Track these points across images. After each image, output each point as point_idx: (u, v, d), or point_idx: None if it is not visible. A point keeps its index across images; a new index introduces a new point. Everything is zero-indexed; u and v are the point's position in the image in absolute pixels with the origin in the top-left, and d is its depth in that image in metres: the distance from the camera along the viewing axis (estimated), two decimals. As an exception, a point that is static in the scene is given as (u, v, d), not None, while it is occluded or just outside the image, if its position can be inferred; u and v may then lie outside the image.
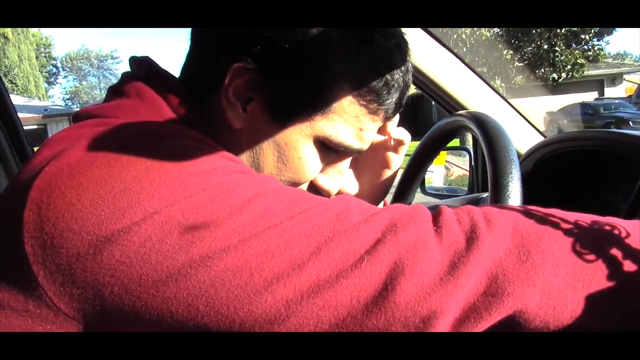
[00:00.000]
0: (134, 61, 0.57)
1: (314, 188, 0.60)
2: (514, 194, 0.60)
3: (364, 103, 0.55)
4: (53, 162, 0.40)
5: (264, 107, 0.53)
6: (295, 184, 0.57)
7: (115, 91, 0.54)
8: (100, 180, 0.38)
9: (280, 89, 0.53)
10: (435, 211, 0.45)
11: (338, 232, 0.40)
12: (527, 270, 0.41)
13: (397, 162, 0.70)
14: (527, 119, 1.11)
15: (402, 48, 0.57)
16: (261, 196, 0.41)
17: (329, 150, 0.57)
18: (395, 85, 0.56)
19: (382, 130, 0.63)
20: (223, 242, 0.38)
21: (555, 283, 0.41)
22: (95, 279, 0.37)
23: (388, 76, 0.55)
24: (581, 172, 0.95)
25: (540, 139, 1.12)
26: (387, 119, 0.59)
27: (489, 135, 0.65)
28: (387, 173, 0.71)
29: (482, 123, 0.68)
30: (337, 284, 0.39)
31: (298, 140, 0.54)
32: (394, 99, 0.57)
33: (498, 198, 0.60)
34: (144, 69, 0.55)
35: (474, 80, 1.10)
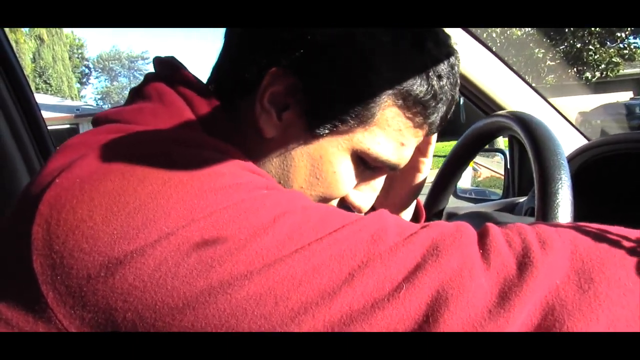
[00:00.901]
0: (158, 62, 0.55)
1: (344, 204, 0.56)
2: (564, 202, 0.55)
3: (410, 116, 0.51)
4: (64, 173, 0.38)
5: (301, 116, 0.50)
6: (326, 200, 0.54)
7: (137, 93, 0.51)
8: (113, 194, 0.36)
9: (321, 96, 0.49)
10: (481, 230, 0.40)
11: (373, 256, 0.36)
12: (589, 301, 0.35)
13: (428, 164, 0.67)
14: (568, 120, 1.06)
15: (452, 58, 0.53)
16: (288, 215, 0.37)
17: (365, 166, 0.54)
18: (443, 98, 0.52)
19: None
20: (245, 266, 0.34)
21: (622, 316, 0.35)
22: (107, 304, 0.34)
23: (437, 87, 0.51)
24: (628, 178, 0.89)
25: (583, 141, 1.06)
26: (429, 134, 0.56)
27: (535, 137, 0.60)
28: (418, 177, 0.68)
29: (527, 124, 0.63)
30: (372, 316, 0.34)
31: (334, 154, 0.51)
32: (440, 113, 0.53)
33: (546, 206, 0.55)
34: (167, 71, 0.52)
35: (512, 78, 1.05)
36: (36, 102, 1.16)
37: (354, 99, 0.49)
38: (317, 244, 0.36)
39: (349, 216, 0.40)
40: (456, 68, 0.54)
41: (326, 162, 0.51)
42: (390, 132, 0.51)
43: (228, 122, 0.51)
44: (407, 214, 0.72)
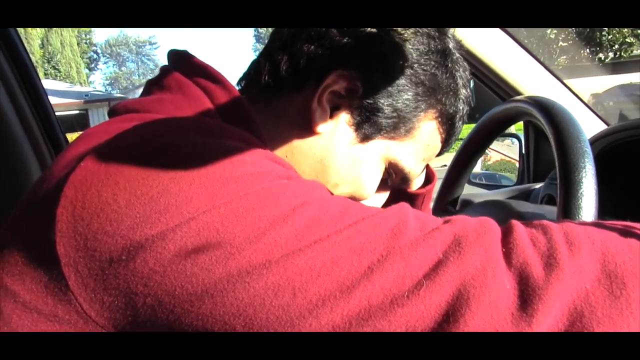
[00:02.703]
0: (174, 54, 0.55)
1: None
2: (588, 191, 0.53)
3: (441, 131, 0.57)
4: (89, 157, 0.38)
5: (351, 118, 0.53)
6: (352, 199, 0.55)
7: (155, 85, 0.51)
8: (137, 178, 0.35)
9: (375, 102, 0.52)
10: (505, 227, 0.38)
11: (393, 250, 0.35)
12: (620, 308, 0.33)
13: None
14: (587, 104, 1.02)
15: (470, 87, 0.59)
16: (307, 205, 0.37)
17: (388, 176, 0.57)
18: (464, 118, 0.58)
19: None
20: (264, 256, 0.34)
21: None
22: (127, 287, 0.34)
23: (462, 107, 0.57)
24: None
25: (602, 126, 1.03)
26: (439, 154, 0.60)
27: (557, 123, 0.58)
28: None
29: (548, 110, 0.61)
30: (391, 313, 0.33)
31: (373, 159, 0.54)
32: (458, 132, 0.58)
33: (569, 195, 0.53)
34: (184, 63, 0.52)
35: (529, 61, 1.02)
36: (44, 89, 1.15)
37: (404, 109, 0.53)
38: (336, 236, 0.35)
39: (368, 209, 0.39)
40: (470, 98, 0.59)
41: (365, 165, 0.54)
42: (420, 146, 0.56)
43: (253, 113, 0.50)
44: (420, 178, 0.73)
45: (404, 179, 0.58)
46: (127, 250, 0.34)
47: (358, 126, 0.53)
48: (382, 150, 0.54)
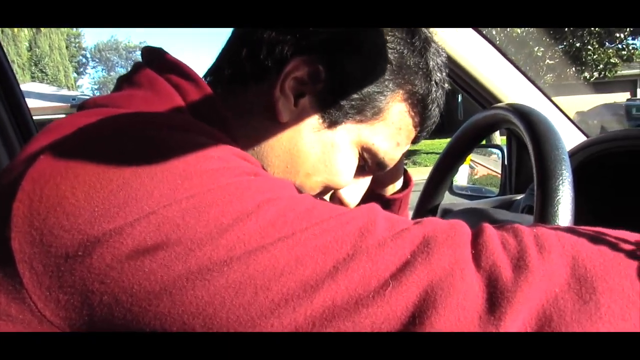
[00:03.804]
0: (147, 51, 0.54)
1: (333, 200, 0.58)
2: (565, 199, 0.52)
3: (412, 114, 0.55)
4: (49, 150, 0.37)
5: (316, 103, 0.51)
6: (327, 189, 0.55)
7: (126, 81, 0.50)
8: (97, 172, 0.34)
9: (339, 85, 0.51)
10: (476, 230, 0.38)
11: (360, 250, 0.34)
12: (589, 312, 0.32)
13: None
14: (568, 116, 1.03)
15: (444, 71, 0.57)
16: (273, 202, 0.36)
17: (363, 162, 0.56)
18: (437, 104, 0.56)
19: None
20: (225, 252, 0.32)
21: (622, 330, 0.33)
22: (83, 285, 0.32)
23: (434, 93, 0.55)
24: (629, 175, 0.86)
25: (582, 138, 1.04)
26: (416, 141, 0.59)
27: (535, 131, 0.58)
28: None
29: (527, 117, 0.60)
30: (355, 313, 0.32)
31: (344, 144, 0.53)
32: (432, 119, 0.57)
33: (545, 203, 0.53)
34: (157, 59, 0.51)
35: (511, 72, 1.02)
36: (22, 92, 1.12)
37: (370, 90, 0.51)
38: (301, 234, 0.34)
39: (336, 208, 0.38)
40: (446, 83, 0.58)
41: (337, 151, 0.52)
42: (392, 129, 0.54)
43: (222, 107, 0.50)
44: (398, 180, 0.74)
45: (380, 164, 0.56)
46: (84, 245, 0.32)
47: (324, 112, 0.51)
48: (353, 135, 0.53)
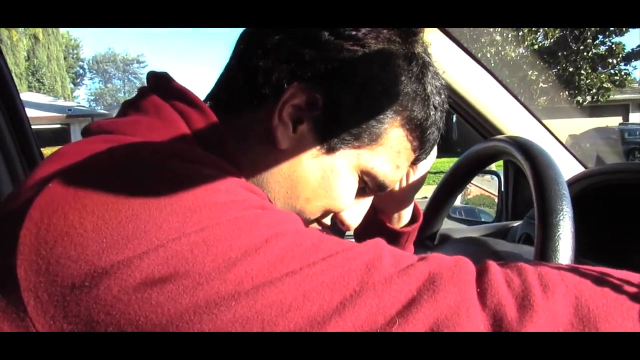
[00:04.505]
0: (153, 76, 0.53)
1: (333, 221, 0.58)
2: (565, 234, 0.53)
3: (411, 139, 0.54)
4: (58, 179, 0.37)
5: (315, 130, 0.51)
6: (327, 212, 0.55)
7: (132, 106, 0.50)
8: (106, 202, 0.34)
9: (338, 112, 0.50)
10: (480, 267, 0.38)
11: (366, 286, 0.34)
12: None
13: (428, 160, 0.68)
14: (566, 147, 1.04)
15: (444, 93, 0.56)
16: (280, 236, 0.36)
17: (364, 185, 0.55)
18: (436, 127, 0.56)
19: None
20: (233, 287, 0.33)
21: None
22: (88, 315, 0.32)
23: (433, 114, 0.55)
24: (626, 208, 0.87)
25: (580, 169, 1.05)
26: (415, 162, 0.58)
27: (536, 165, 0.59)
28: (418, 171, 0.70)
29: (528, 151, 0.61)
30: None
31: (343, 169, 0.52)
32: (431, 142, 0.56)
33: (546, 238, 0.53)
34: (163, 85, 0.51)
35: (509, 101, 1.03)
36: (22, 102, 1.12)
37: (367, 117, 0.51)
38: (309, 269, 0.34)
39: (343, 243, 0.38)
40: (445, 104, 0.57)
41: (336, 176, 0.52)
42: (391, 153, 0.54)
43: (226, 135, 0.50)
44: (407, 213, 0.74)
45: (380, 186, 0.56)
46: (91, 276, 0.32)
47: (322, 138, 0.51)
48: (352, 159, 0.52)
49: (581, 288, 0.36)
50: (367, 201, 0.60)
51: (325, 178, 0.52)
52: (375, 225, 0.72)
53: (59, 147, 0.45)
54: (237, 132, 0.52)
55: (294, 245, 0.36)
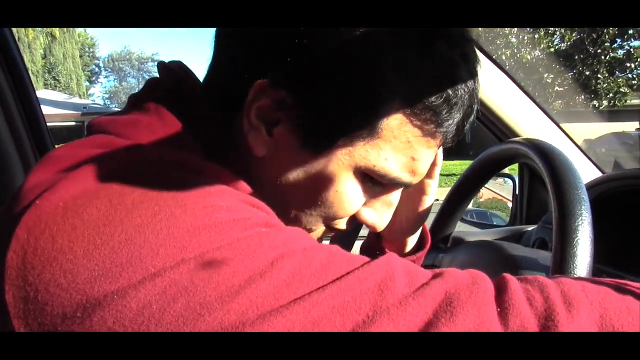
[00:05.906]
0: (163, 68, 0.50)
1: (355, 221, 0.52)
2: (584, 240, 0.52)
3: (419, 124, 0.44)
4: (47, 194, 0.34)
5: (294, 132, 0.44)
6: (332, 220, 0.50)
7: (136, 102, 0.47)
8: (98, 225, 0.32)
9: (315, 109, 0.43)
10: (499, 283, 0.36)
11: (380, 310, 0.33)
12: None
13: (434, 187, 0.63)
14: (584, 152, 1.02)
15: (469, 59, 0.46)
16: (287, 258, 0.34)
17: (374, 182, 0.48)
18: (459, 103, 0.45)
19: None
20: (237, 317, 0.31)
21: None
22: None
23: (450, 91, 0.44)
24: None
25: (598, 173, 1.03)
26: (445, 145, 0.49)
27: (555, 169, 0.57)
28: (425, 200, 0.64)
29: (546, 154, 0.60)
30: None
31: (335, 172, 0.45)
32: (455, 120, 0.46)
33: (565, 243, 0.52)
34: (172, 80, 0.48)
35: (527, 104, 1.02)
36: (38, 99, 1.13)
37: (352, 110, 0.43)
38: (318, 294, 0.33)
39: (354, 261, 0.36)
40: (475, 70, 0.47)
41: (326, 182, 0.46)
42: (398, 145, 0.45)
43: (228, 140, 0.47)
44: (413, 239, 0.70)
45: (397, 183, 0.48)
46: (83, 306, 0.30)
47: (303, 139, 0.44)
48: (346, 159, 0.45)
49: (605, 305, 0.35)
50: (393, 196, 0.52)
51: (314, 185, 0.46)
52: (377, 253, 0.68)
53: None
54: (237, 137, 0.48)
55: (302, 267, 0.34)
